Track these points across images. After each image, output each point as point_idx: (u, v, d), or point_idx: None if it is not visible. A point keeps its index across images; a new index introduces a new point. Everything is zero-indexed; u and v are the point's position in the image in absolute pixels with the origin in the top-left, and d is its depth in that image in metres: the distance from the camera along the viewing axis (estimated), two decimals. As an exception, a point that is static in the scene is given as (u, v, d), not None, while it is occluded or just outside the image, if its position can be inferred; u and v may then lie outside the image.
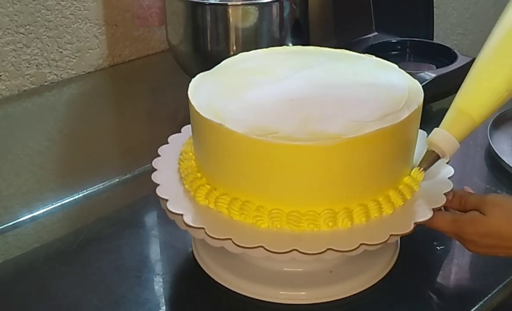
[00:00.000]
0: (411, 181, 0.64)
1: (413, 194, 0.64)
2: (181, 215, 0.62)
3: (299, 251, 0.58)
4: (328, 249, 0.58)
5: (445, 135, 0.64)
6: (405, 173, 0.65)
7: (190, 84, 0.68)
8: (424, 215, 0.61)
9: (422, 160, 0.66)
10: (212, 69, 0.72)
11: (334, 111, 0.62)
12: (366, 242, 0.59)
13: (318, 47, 0.77)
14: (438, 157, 0.65)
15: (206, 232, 0.60)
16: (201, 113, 0.62)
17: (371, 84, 0.67)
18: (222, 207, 0.62)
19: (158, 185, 0.66)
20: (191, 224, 0.61)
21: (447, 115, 0.66)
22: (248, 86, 0.68)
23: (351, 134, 0.58)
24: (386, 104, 0.62)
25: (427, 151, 0.66)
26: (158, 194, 0.65)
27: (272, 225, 0.60)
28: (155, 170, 0.69)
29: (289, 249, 0.58)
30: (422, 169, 0.65)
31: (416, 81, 0.67)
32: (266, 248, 0.58)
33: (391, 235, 0.59)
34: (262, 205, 0.61)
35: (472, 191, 0.67)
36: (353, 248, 0.58)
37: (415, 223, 0.60)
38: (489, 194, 0.64)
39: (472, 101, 0.65)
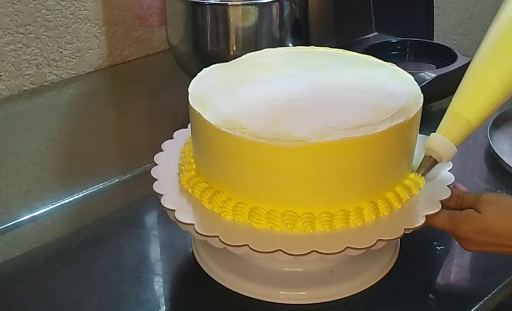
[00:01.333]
0: (403, 190, 0.64)
1: (402, 204, 0.63)
2: (161, 195, 0.65)
3: (283, 251, 0.58)
4: (312, 251, 0.58)
5: (442, 140, 0.64)
6: (398, 179, 0.65)
7: (199, 74, 0.70)
8: (393, 233, 0.60)
9: (420, 165, 0.65)
10: (229, 62, 0.73)
11: (313, 115, 0.62)
12: (317, 249, 0.58)
13: (345, 51, 0.76)
14: (435, 162, 0.65)
15: (175, 216, 0.62)
16: (190, 101, 0.65)
17: (370, 92, 0.66)
18: (196, 193, 0.64)
19: (161, 151, 0.72)
20: (165, 205, 0.63)
21: (443, 119, 0.65)
22: (248, 81, 0.68)
23: (314, 140, 0.58)
24: (371, 114, 0.61)
25: (425, 156, 0.65)
26: (153, 172, 0.68)
27: (236, 219, 0.61)
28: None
29: (274, 249, 0.58)
30: (420, 175, 0.65)
31: (421, 95, 0.66)
32: (222, 239, 0.59)
33: (346, 247, 0.58)
34: (230, 197, 0.62)
35: (465, 189, 0.67)
36: (336, 251, 0.58)
37: (379, 240, 0.59)
38: (484, 192, 0.64)
39: (468, 104, 0.65)
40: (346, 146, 0.59)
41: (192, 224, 0.61)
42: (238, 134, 0.59)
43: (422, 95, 0.66)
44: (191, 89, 0.67)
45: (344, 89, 0.67)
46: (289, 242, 0.59)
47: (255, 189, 0.61)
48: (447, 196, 0.64)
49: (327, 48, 0.77)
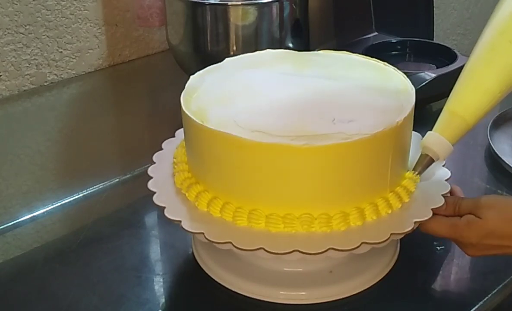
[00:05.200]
0: (402, 190, 0.64)
1: (402, 204, 0.63)
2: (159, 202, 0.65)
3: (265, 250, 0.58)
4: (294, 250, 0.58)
5: (438, 139, 0.64)
6: (396, 179, 0.65)
7: (198, 73, 0.71)
8: (404, 227, 0.60)
9: (416, 164, 0.65)
10: (228, 61, 0.74)
11: (311, 117, 0.62)
12: (302, 251, 0.58)
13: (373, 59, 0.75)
14: (432, 161, 0.65)
15: (181, 225, 0.61)
16: (182, 102, 0.65)
17: (366, 95, 0.66)
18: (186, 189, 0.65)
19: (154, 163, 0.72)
20: (169, 216, 0.63)
21: (440, 117, 0.65)
22: (245, 81, 0.69)
23: (310, 143, 0.58)
24: (366, 117, 0.62)
25: (421, 155, 0.65)
26: (150, 173, 0.69)
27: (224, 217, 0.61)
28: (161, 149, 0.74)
29: (291, 250, 0.58)
30: (416, 173, 0.65)
31: (414, 96, 0.66)
32: (236, 245, 0.59)
33: (329, 248, 0.58)
34: (216, 196, 0.63)
35: (461, 191, 0.68)
36: (321, 251, 0.58)
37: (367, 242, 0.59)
38: (482, 196, 0.64)
39: (465, 103, 0.64)
40: (340, 149, 0.58)
41: (202, 233, 0.60)
42: (226, 131, 0.59)
43: (414, 95, 0.66)
44: (186, 89, 0.67)
45: (343, 93, 0.67)
46: (306, 242, 0.59)
47: (252, 190, 0.61)
48: (447, 191, 0.65)
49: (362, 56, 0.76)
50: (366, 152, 0.60)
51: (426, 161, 0.65)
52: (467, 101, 0.64)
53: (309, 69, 0.71)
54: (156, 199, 0.65)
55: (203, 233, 0.60)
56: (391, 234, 0.59)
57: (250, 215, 0.61)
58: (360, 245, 0.58)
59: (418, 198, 0.64)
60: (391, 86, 0.67)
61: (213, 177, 0.63)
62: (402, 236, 0.61)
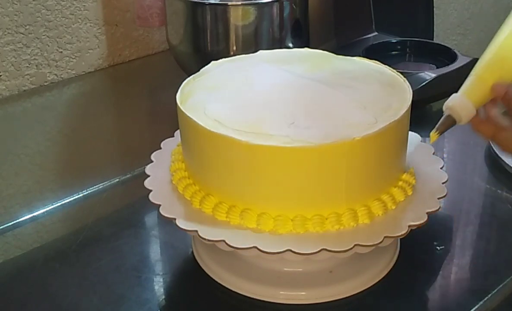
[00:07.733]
0: (398, 190, 0.64)
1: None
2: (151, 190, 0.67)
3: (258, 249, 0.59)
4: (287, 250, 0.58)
5: (463, 101, 0.63)
6: (394, 177, 0.65)
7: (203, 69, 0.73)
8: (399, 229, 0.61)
9: (439, 123, 0.65)
10: (230, 59, 0.75)
11: (305, 118, 0.62)
12: (293, 250, 0.59)
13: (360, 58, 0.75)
14: (454, 122, 0.64)
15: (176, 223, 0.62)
16: (177, 100, 0.66)
17: (361, 95, 0.66)
18: (182, 188, 0.66)
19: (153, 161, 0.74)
20: (152, 199, 0.65)
21: (466, 81, 0.64)
22: (242, 81, 0.69)
23: (305, 143, 0.58)
24: (361, 117, 0.62)
25: (445, 115, 0.64)
26: (147, 173, 0.71)
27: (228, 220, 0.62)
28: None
29: (250, 246, 0.59)
30: (438, 132, 0.64)
31: (410, 97, 0.66)
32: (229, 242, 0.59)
33: (355, 245, 0.59)
34: (209, 193, 0.64)
35: None
36: (314, 251, 0.59)
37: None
38: None
39: (493, 71, 0.63)
40: (277, 151, 0.58)
41: (174, 218, 0.61)
42: (217, 131, 0.60)
43: (411, 96, 0.66)
44: (183, 84, 0.68)
45: (328, 100, 0.66)
46: (298, 243, 0.59)
47: (231, 186, 0.62)
48: (443, 194, 0.65)
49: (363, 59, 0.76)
50: (306, 160, 0.59)
51: (449, 122, 0.64)
52: (496, 69, 0.63)
53: (320, 73, 0.70)
54: (152, 197, 0.66)
55: (196, 231, 0.60)
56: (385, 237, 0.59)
57: (242, 213, 0.61)
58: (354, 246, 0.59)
59: (413, 201, 0.64)
60: (384, 105, 0.66)
61: (197, 170, 0.65)
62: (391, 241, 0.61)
